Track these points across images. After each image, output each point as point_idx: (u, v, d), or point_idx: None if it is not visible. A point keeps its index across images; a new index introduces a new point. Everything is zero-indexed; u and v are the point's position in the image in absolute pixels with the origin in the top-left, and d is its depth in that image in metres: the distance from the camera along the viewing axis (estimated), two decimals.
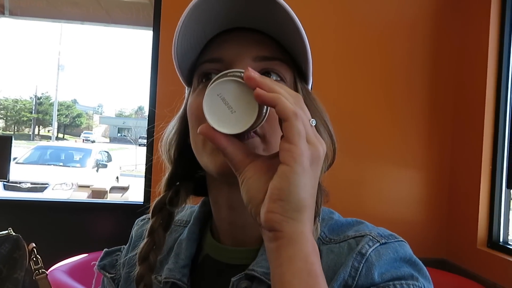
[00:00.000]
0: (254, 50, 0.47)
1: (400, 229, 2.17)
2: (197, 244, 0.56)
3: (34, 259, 0.75)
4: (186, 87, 0.54)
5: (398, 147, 2.28)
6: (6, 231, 0.74)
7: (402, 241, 0.50)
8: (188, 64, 0.50)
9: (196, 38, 0.47)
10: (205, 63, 0.49)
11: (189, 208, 0.60)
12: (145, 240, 0.53)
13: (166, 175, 0.54)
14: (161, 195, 0.54)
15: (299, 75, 0.50)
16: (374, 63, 2.24)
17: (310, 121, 0.39)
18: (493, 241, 2.01)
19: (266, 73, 0.48)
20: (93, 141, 25.54)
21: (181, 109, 0.54)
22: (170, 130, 0.55)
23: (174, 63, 0.49)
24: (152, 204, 0.55)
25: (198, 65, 0.49)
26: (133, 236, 0.62)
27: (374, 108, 2.25)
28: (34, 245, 0.76)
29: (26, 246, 0.74)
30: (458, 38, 2.27)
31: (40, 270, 0.75)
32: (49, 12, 2.87)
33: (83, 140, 25.54)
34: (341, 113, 2.23)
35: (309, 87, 0.54)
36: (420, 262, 0.49)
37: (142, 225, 0.62)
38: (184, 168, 0.53)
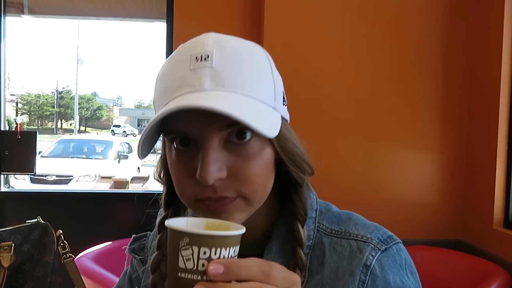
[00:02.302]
0: (218, 120, 0.45)
1: (416, 211, 2.20)
2: None
3: (62, 244, 0.81)
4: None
5: (413, 130, 2.28)
6: (36, 220, 0.81)
7: (398, 242, 0.54)
8: (154, 138, 0.50)
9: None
10: (173, 133, 0.49)
11: None
12: (155, 253, 0.58)
13: (163, 196, 0.59)
14: (164, 213, 0.59)
15: None
16: (386, 45, 2.23)
17: None
18: (509, 221, 2.00)
19: (239, 132, 0.47)
20: (125, 134, 24.92)
21: (162, 147, 0.55)
22: (159, 159, 0.58)
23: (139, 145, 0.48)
24: (156, 222, 0.60)
25: (166, 132, 0.49)
26: (158, 224, 0.66)
27: (387, 91, 2.25)
28: (61, 231, 0.82)
29: (54, 233, 0.81)
30: (473, 17, 2.23)
31: (67, 254, 0.81)
32: (66, 9, 2.94)
33: (112, 132, 25.47)
34: (354, 97, 2.24)
35: (283, 115, 0.53)
36: (412, 264, 0.55)
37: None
38: None
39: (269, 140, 0.50)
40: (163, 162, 0.56)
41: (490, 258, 1.98)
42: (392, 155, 2.28)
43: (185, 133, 0.48)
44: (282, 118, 0.52)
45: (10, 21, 2.59)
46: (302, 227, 0.54)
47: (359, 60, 2.22)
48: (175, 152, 0.50)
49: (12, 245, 0.75)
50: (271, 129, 0.47)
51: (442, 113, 2.28)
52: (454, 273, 2.04)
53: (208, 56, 0.47)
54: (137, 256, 0.68)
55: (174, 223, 0.39)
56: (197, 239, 0.37)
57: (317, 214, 0.58)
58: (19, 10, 2.71)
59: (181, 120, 0.47)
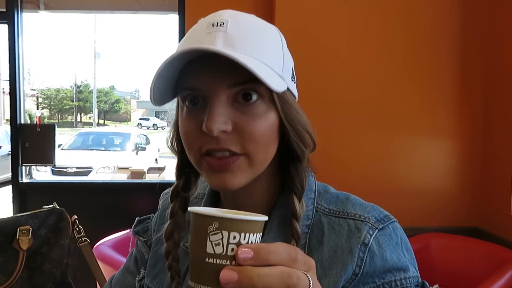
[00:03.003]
0: (228, 77, 0.50)
1: (432, 199, 2.19)
2: None
3: (77, 229, 0.85)
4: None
5: (428, 118, 2.25)
6: (52, 205, 0.84)
7: (394, 221, 0.56)
8: (169, 88, 0.54)
9: (172, 69, 0.50)
10: (185, 90, 0.53)
11: (205, 182, 0.67)
12: (168, 222, 0.60)
13: (175, 165, 0.61)
14: (175, 183, 0.61)
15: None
16: (400, 31, 2.20)
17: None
18: None
19: (245, 94, 0.51)
20: (156, 127, 24.73)
21: (175, 112, 0.58)
22: (170, 128, 0.60)
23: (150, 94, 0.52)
24: (169, 192, 0.62)
25: (179, 89, 0.54)
26: (160, 207, 0.71)
27: (402, 79, 2.22)
28: (76, 217, 0.86)
29: (69, 218, 0.84)
30: (489, 1, 2.18)
31: (82, 239, 0.85)
32: (81, 3, 2.99)
33: (139, 125, 24.99)
34: (369, 85, 2.22)
35: (291, 89, 0.56)
36: (408, 242, 0.57)
37: (166, 198, 0.68)
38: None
39: (274, 106, 0.53)
40: (175, 127, 0.58)
41: (508, 245, 1.96)
42: (407, 144, 2.26)
43: (196, 89, 0.51)
44: (289, 90, 0.55)
45: (28, 17, 2.65)
46: (299, 201, 0.56)
47: (374, 47, 2.20)
48: (186, 110, 0.53)
49: (30, 229, 0.78)
50: (277, 86, 0.49)
51: (458, 101, 2.24)
52: (470, 260, 2.02)
53: (223, 23, 0.51)
54: (141, 238, 0.71)
55: (199, 209, 0.39)
56: (227, 224, 0.37)
57: (316, 195, 0.59)
58: (35, 6, 2.77)
59: (193, 77, 0.51)
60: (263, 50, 0.51)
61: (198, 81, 0.51)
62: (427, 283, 0.54)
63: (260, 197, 0.60)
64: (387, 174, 2.24)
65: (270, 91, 0.52)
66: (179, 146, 0.59)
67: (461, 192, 2.28)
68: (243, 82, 0.50)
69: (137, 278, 0.70)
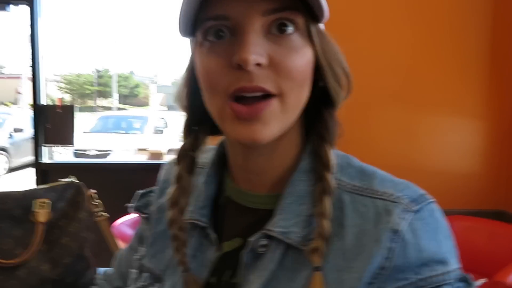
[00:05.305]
0: (262, 2, 0.43)
1: (455, 181, 2.14)
2: (217, 186, 0.57)
3: (95, 203, 0.84)
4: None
5: (454, 95, 2.18)
6: (69, 179, 0.84)
7: (431, 202, 0.47)
8: (189, 17, 0.46)
9: None
10: (209, 20, 0.44)
11: (212, 150, 0.60)
12: (174, 186, 0.53)
13: (183, 123, 0.55)
14: (183, 142, 0.55)
15: (311, 16, 0.46)
16: (426, 5, 2.12)
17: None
18: None
19: (280, 24, 0.44)
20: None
21: (188, 61, 0.52)
22: (180, 82, 0.54)
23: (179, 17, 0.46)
24: (176, 152, 0.55)
25: (201, 20, 0.45)
26: (160, 179, 0.65)
27: (427, 54, 2.15)
28: (94, 191, 0.85)
29: (86, 192, 0.84)
30: None
31: (100, 213, 0.84)
32: None
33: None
34: (392, 61, 2.15)
35: (322, 24, 0.50)
36: (448, 227, 0.48)
37: (168, 169, 0.64)
38: (198, 113, 0.52)
39: (310, 40, 0.47)
40: (188, 78, 0.52)
41: None
42: (431, 122, 2.19)
43: (222, 17, 0.44)
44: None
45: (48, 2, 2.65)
46: (331, 149, 0.49)
47: (398, 20, 2.13)
48: (208, 46, 0.45)
49: (49, 202, 0.78)
50: (326, 12, 0.45)
51: (486, 78, 2.16)
52: (494, 244, 1.97)
53: None
54: (142, 214, 0.64)
55: None
56: None
57: (337, 169, 0.50)
58: None
59: (220, 3, 0.44)
60: None
61: (226, 8, 0.43)
62: (470, 277, 0.46)
63: (283, 158, 0.51)
64: (410, 153, 2.19)
65: (307, 22, 0.46)
66: (188, 102, 0.53)
67: (486, 173, 2.21)
68: (280, 9, 0.43)
69: (136, 257, 0.64)
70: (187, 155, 0.54)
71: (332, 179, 0.48)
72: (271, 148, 0.49)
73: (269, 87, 0.43)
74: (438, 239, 0.45)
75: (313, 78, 0.48)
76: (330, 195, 0.47)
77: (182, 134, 0.55)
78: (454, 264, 0.45)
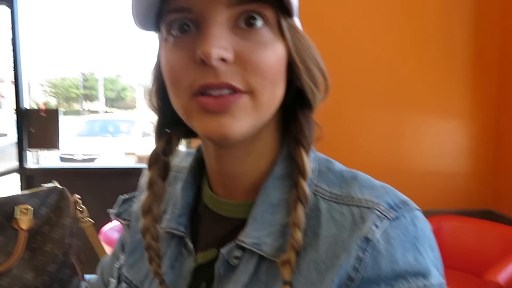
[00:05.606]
0: None
1: (443, 180, 2.16)
2: (195, 193, 0.55)
3: (79, 209, 0.82)
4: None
5: (439, 96, 2.20)
6: (52, 184, 0.81)
7: (415, 209, 0.43)
8: (150, 10, 0.43)
9: None
10: (172, 12, 0.42)
11: (190, 154, 0.58)
12: (146, 193, 0.51)
13: (154, 125, 0.51)
14: (155, 146, 0.52)
15: (281, 10, 0.43)
16: (409, 7, 2.13)
17: None
18: None
19: (249, 17, 0.41)
20: None
21: (156, 57, 0.49)
22: (149, 80, 0.51)
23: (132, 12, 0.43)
24: (148, 157, 0.52)
25: (164, 12, 0.43)
26: (141, 185, 0.63)
27: (411, 56, 2.16)
28: (78, 196, 0.82)
29: (70, 197, 0.81)
30: None
31: (85, 219, 0.82)
32: None
33: None
34: (376, 63, 2.16)
35: (297, 19, 0.46)
36: (432, 237, 0.44)
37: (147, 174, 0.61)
38: (170, 114, 0.48)
39: (281, 35, 0.43)
40: (155, 74, 0.49)
41: None
42: (418, 123, 2.21)
43: (185, 9, 0.41)
44: (298, 19, 0.46)
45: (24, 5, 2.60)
46: (306, 154, 0.46)
47: (381, 24, 2.14)
48: (173, 40, 0.43)
49: (30, 208, 0.75)
50: (294, 4, 0.42)
51: (471, 78, 2.18)
52: (483, 243, 1.99)
53: None
54: (122, 221, 0.61)
55: None
56: None
57: (315, 174, 0.47)
58: None
59: None
60: None
61: (189, 0, 0.41)
62: None
63: (258, 162, 0.48)
64: (397, 154, 2.20)
65: (277, 16, 0.42)
66: (158, 102, 0.49)
67: (473, 173, 2.23)
68: (246, 1, 0.40)
69: (116, 265, 0.61)
70: (159, 160, 0.51)
71: (306, 186, 0.45)
72: (244, 150, 0.47)
73: (237, 83, 0.41)
74: (418, 249, 0.41)
75: (288, 77, 0.45)
76: (304, 203, 0.44)
77: (153, 137, 0.52)
78: (436, 278, 0.41)
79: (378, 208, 0.42)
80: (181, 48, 0.42)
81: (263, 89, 0.42)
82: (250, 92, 0.42)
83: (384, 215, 0.42)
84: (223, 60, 0.40)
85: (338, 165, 0.49)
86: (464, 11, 2.14)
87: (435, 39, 2.16)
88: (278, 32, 0.43)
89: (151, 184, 0.51)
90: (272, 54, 0.42)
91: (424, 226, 0.43)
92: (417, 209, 0.44)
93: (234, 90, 0.41)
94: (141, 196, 0.52)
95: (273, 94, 0.43)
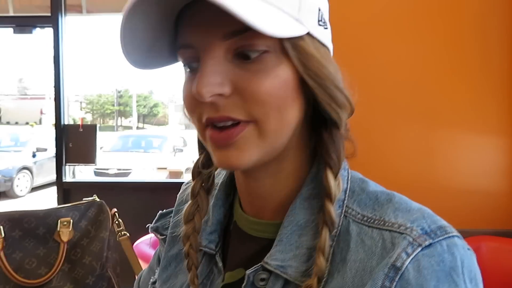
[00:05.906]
0: (222, 25, 0.39)
1: (479, 201, 2.06)
2: (227, 210, 0.55)
3: (117, 222, 0.84)
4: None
5: (478, 111, 2.13)
6: (92, 198, 0.84)
7: (453, 236, 0.39)
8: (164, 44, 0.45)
9: (155, 15, 0.41)
10: (181, 48, 0.43)
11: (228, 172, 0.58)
12: (189, 202, 0.52)
13: (197, 139, 0.52)
14: (197, 159, 0.53)
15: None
16: (442, 19, 2.09)
17: None
18: None
19: (243, 56, 0.41)
20: None
21: None
22: None
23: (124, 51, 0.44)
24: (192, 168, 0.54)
25: (177, 46, 0.44)
26: (177, 200, 0.63)
27: (445, 70, 2.12)
28: (116, 210, 0.85)
29: (109, 211, 0.84)
30: None
31: (122, 232, 0.84)
32: (122, 6, 3.06)
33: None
34: (409, 77, 2.13)
35: (305, 37, 0.43)
36: (474, 268, 0.39)
37: (184, 190, 0.62)
38: None
39: (287, 57, 0.42)
40: None
41: None
42: (451, 140, 2.15)
43: (188, 45, 0.42)
44: (313, 37, 0.43)
45: (71, 21, 2.73)
46: (334, 177, 0.44)
47: (416, 36, 2.11)
48: (186, 73, 0.45)
49: (71, 221, 0.78)
50: (281, 30, 0.38)
51: (509, 93, 2.11)
52: None
53: None
54: (159, 236, 0.62)
55: None
56: None
57: (346, 195, 0.45)
58: (78, 10, 2.86)
59: (185, 30, 0.42)
60: None
61: (189, 35, 0.42)
62: None
63: (285, 182, 0.47)
64: (433, 172, 2.14)
65: (279, 39, 0.40)
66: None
67: None
68: (242, 31, 0.39)
69: (151, 280, 0.61)
70: (200, 172, 0.53)
71: (333, 209, 0.43)
72: (268, 171, 0.46)
73: (237, 115, 0.41)
74: (454, 281, 0.37)
75: (304, 97, 0.44)
76: (330, 227, 0.42)
77: (197, 151, 0.53)
78: None
79: (410, 234, 0.39)
80: (190, 82, 0.43)
81: (266, 118, 0.41)
82: (254, 122, 0.41)
83: (417, 242, 0.38)
84: (220, 95, 0.40)
85: (374, 186, 0.47)
86: (503, 20, 2.09)
87: (470, 50, 2.11)
88: (282, 54, 0.42)
89: (194, 194, 0.52)
90: (273, 81, 0.41)
91: (464, 255, 0.39)
92: (457, 236, 0.40)
93: (237, 122, 0.41)
94: (185, 205, 0.53)
95: (281, 120, 0.42)
